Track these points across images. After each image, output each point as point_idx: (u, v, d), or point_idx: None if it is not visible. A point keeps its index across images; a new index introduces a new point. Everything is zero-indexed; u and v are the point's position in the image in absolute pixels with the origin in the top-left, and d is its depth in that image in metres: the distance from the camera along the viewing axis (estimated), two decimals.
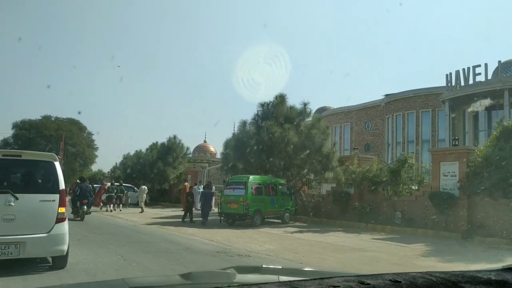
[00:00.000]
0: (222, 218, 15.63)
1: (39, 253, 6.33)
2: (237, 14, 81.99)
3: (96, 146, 58.75)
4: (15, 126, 53.30)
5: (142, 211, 21.11)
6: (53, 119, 56.37)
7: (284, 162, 17.01)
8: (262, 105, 18.54)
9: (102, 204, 22.30)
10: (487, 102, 21.48)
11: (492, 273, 1.20)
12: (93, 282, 3.35)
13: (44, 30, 75.13)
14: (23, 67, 74.63)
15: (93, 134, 58.92)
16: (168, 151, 30.49)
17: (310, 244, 10.77)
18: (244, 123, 18.47)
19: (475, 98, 22.50)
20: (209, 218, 15.65)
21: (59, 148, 47.50)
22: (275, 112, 18.05)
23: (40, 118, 54.84)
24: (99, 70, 78.47)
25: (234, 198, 15.23)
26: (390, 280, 1.07)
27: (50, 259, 6.58)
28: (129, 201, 24.82)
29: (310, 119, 18.77)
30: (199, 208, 20.39)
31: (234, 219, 15.47)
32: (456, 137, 15.92)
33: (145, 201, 23.08)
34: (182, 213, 17.37)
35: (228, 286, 1.37)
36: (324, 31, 79.85)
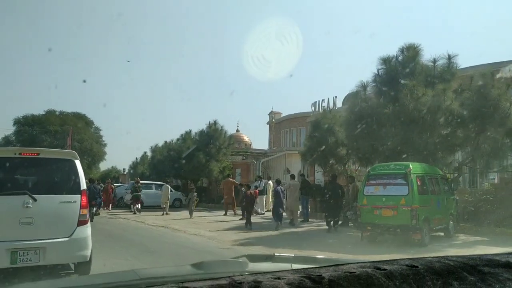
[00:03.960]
0: (367, 232, 9.80)
1: (60, 260, 5.74)
2: None
3: (104, 142, 52.83)
4: (17, 122, 47.93)
5: (164, 214, 18.24)
6: (57, 113, 50.77)
7: (437, 142, 11.14)
8: (385, 60, 12.55)
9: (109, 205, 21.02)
10: None
11: (511, 256, 1.11)
12: (104, 273, 2.29)
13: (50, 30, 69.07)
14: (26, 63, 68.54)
15: (101, 130, 53.11)
16: (208, 140, 24.57)
17: None
18: (363, 87, 12.52)
19: None
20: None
21: (66, 145, 42.12)
22: (409, 70, 12.14)
23: (43, 112, 49.21)
24: (111, 65, 72.44)
25: (388, 201, 9.34)
26: (407, 265, 0.99)
27: (72, 266, 5.97)
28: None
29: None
30: (263, 212, 17.45)
31: (384, 232, 9.66)
32: None
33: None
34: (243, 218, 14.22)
35: (241, 275, 1.12)
36: None
